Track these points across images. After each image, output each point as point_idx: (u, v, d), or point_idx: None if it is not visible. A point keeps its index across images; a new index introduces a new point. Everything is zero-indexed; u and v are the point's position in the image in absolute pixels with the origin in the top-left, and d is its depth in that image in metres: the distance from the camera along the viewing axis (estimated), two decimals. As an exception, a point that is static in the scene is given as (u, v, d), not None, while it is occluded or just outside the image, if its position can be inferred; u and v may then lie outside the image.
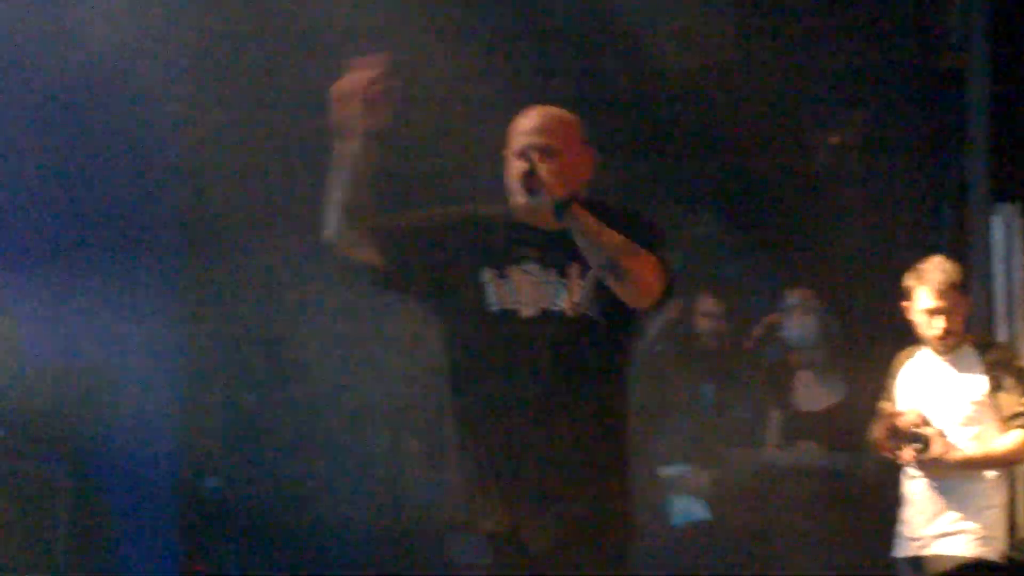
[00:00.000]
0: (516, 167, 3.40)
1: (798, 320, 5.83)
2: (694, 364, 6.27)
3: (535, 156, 3.38)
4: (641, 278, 3.33)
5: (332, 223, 3.49)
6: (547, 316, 3.46)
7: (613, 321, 3.46)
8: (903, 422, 4.72)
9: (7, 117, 6.90)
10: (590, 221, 3.34)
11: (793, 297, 6.02)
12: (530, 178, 3.36)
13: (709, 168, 7.29)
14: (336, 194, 3.45)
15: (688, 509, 5.78)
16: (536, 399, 3.44)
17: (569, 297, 3.47)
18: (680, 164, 7.29)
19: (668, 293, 3.47)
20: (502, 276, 3.50)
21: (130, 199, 7.12)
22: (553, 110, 3.56)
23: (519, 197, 3.40)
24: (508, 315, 3.48)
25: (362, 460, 6.98)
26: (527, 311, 3.45)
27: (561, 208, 3.33)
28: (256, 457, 7.28)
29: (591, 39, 7.15)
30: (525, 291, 3.49)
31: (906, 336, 5.00)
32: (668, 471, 5.78)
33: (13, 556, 6.10)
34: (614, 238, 3.35)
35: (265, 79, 7.24)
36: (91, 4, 6.70)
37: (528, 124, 3.48)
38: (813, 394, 5.74)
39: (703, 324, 6.19)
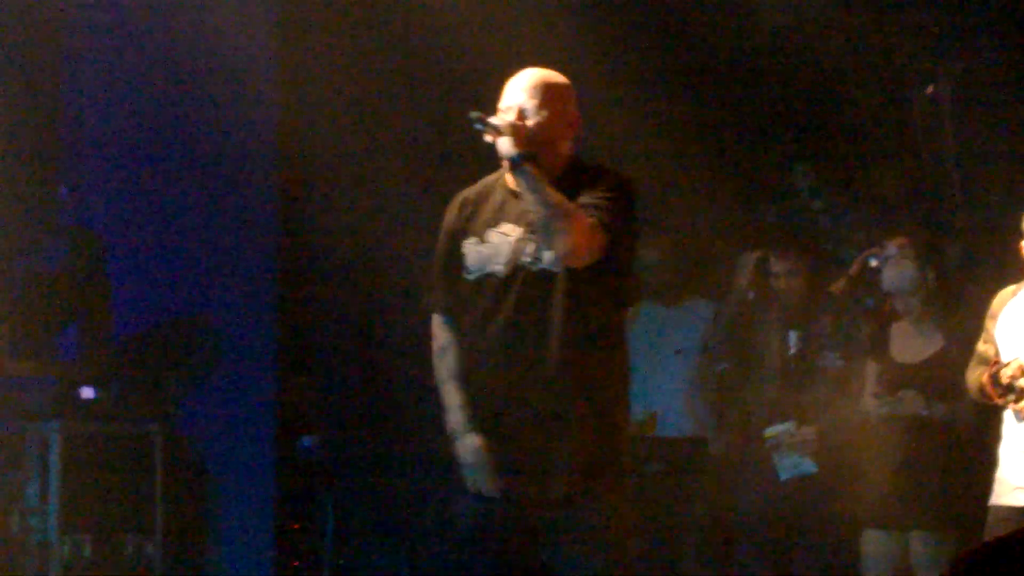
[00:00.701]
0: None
1: (895, 268, 5.78)
2: (784, 319, 6.19)
3: (514, 113, 3.58)
4: (568, 239, 3.49)
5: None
6: (517, 272, 3.62)
7: (571, 272, 3.58)
8: (1004, 374, 4.60)
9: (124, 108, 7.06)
10: (535, 179, 3.51)
11: (890, 246, 5.97)
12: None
13: (804, 120, 7.25)
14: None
15: (795, 464, 5.80)
16: (512, 355, 3.63)
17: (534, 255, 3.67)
18: (776, 118, 7.28)
19: (618, 253, 3.62)
20: (482, 242, 3.68)
21: (232, 155, 7.20)
22: (545, 72, 3.72)
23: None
24: (486, 277, 3.64)
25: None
26: (503, 269, 3.61)
27: (515, 162, 3.54)
28: (352, 417, 7.40)
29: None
30: (503, 251, 3.65)
31: (1003, 281, 4.93)
32: (772, 430, 5.79)
33: (110, 517, 6.22)
34: (551, 197, 3.51)
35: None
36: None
37: (516, 83, 3.67)
38: (911, 344, 5.72)
39: (782, 282, 6.17)
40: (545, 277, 3.64)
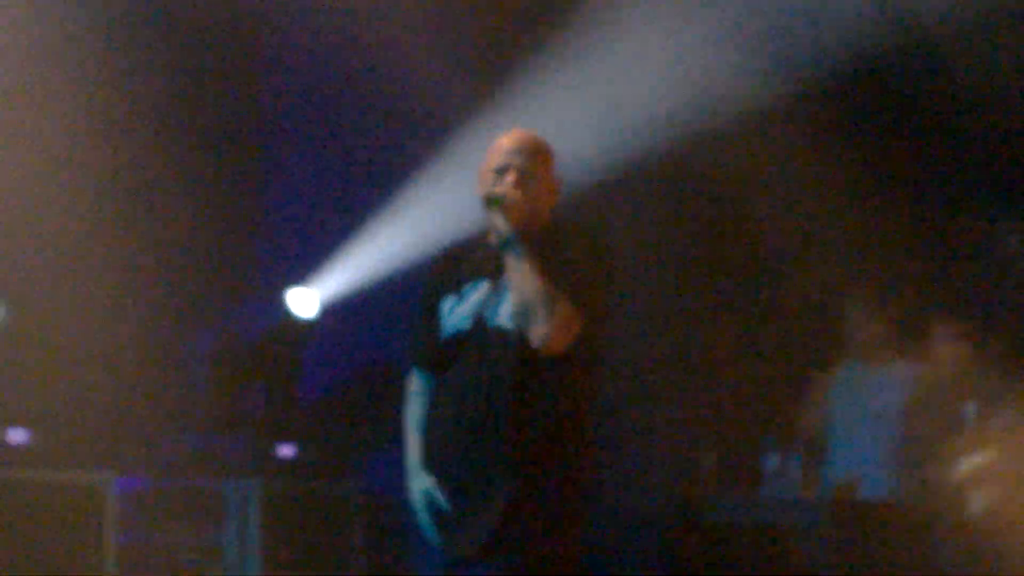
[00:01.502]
0: (489, 181, 3.57)
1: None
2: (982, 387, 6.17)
3: (510, 177, 3.55)
4: (546, 328, 3.47)
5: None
6: (478, 327, 3.61)
7: (527, 331, 3.55)
8: None
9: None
10: (525, 264, 3.48)
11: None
12: (497, 195, 3.53)
13: (1010, 179, 7.22)
14: None
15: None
16: (465, 409, 3.58)
17: (497, 310, 3.66)
18: (981, 177, 7.25)
19: (591, 330, 3.56)
20: (460, 298, 3.67)
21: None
22: (533, 136, 3.72)
23: (485, 209, 3.60)
24: (453, 338, 3.62)
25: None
26: (467, 325, 3.60)
27: (511, 240, 3.51)
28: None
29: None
30: (471, 306, 3.65)
31: None
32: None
33: (310, 573, 6.40)
34: (537, 283, 3.48)
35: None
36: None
37: (510, 144, 3.64)
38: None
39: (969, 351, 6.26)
40: (502, 333, 3.64)
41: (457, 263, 3.79)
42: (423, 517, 3.63)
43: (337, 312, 7.28)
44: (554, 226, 3.75)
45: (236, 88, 7.98)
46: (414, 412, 3.75)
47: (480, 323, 3.63)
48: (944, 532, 6.21)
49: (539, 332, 3.50)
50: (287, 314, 7.09)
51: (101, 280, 6.91)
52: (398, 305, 7.10)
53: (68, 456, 6.36)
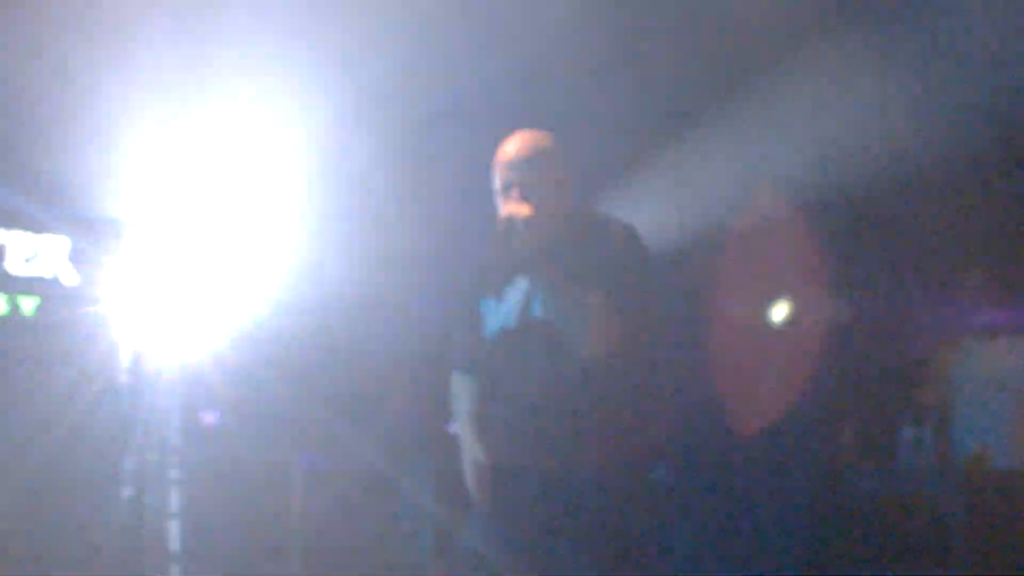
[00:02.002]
0: (502, 206, 3.59)
1: None
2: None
3: (514, 194, 3.55)
4: (590, 345, 3.54)
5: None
6: (526, 324, 3.65)
7: (574, 329, 3.59)
8: None
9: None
10: (556, 288, 3.54)
11: None
12: (506, 223, 3.52)
13: None
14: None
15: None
16: (525, 405, 3.64)
17: (541, 306, 3.67)
18: None
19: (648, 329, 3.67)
20: (500, 300, 3.72)
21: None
22: (525, 140, 3.65)
23: (504, 233, 3.56)
24: (500, 335, 3.69)
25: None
26: (513, 323, 3.66)
27: (532, 269, 3.57)
28: (701, 449, 7.83)
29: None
30: (513, 305, 3.69)
31: None
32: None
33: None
34: (571, 308, 3.53)
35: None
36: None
37: (506, 159, 3.62)
38: None
39: None
40: (548, 327, 3.66)
41: (492, 267, 3.80)
42: (480, 483, 3.75)
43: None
44: (583, 218, 3.77)
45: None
46: (468, 405, 3.86)
47: (526, 320, 3.67)
48: None
49: (586, 347, 3.56)
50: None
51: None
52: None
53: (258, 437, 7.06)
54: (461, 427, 3.87)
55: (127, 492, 6.39)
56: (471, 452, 3.76)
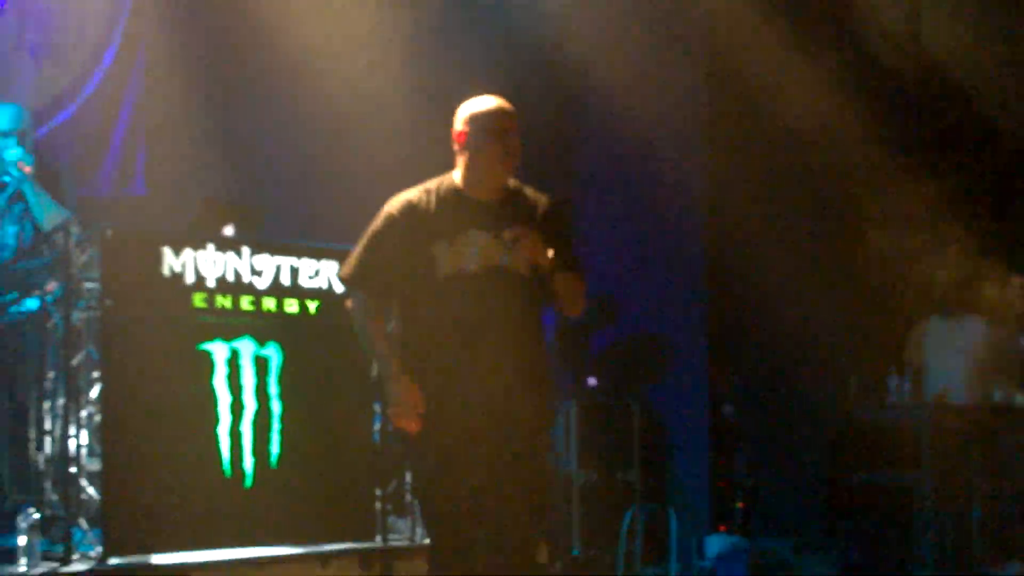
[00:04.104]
0: (500, 152, 3.97)
1: None
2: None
3: (516, 147, 3.99)
4: (579, 304, 4.18)
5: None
6: (490, 271, 3.96)
7: (537, 277, 4.01)
8: None
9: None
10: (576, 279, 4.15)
11: None
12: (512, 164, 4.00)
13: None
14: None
15: None
16: (486, 334, 3.95)
17: (506, 254, 3.97)
18: None
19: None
20: (451, 245, 3.96)
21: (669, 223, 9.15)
22: (509, 106, 4.08)
23: (494, 174, 4.03)
24: (456, 276, 3.95)
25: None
26: (473, 268, 3.94)
27: (549, 213, 4.12)
28: (755, 394, 9.48)
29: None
30: (471, 252, 3.97)
31: None
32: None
33: (607, 459, 8.68)
34: (579, 281, 4.13)
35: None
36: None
37: (506, 121, 4.01)
38: None
39: None
40: (513, 276, 4.01)
41: (427, 212, 4.06)
42: (407, 411, 3.97)
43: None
44: (520, 184, 4.20)
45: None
46: (380, 328, 4.11)
47: (491, 268, 3.97)
48: (999, 423, 8.19)
49: (576, 309, 4.19)
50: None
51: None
52: (660, 294, 9.13)
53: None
54: (375, 342, 4.10)
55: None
56: (398, 383, 3.98)
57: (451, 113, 4.18)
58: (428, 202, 4.02)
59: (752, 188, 9.02)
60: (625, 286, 9.44)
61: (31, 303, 6.31)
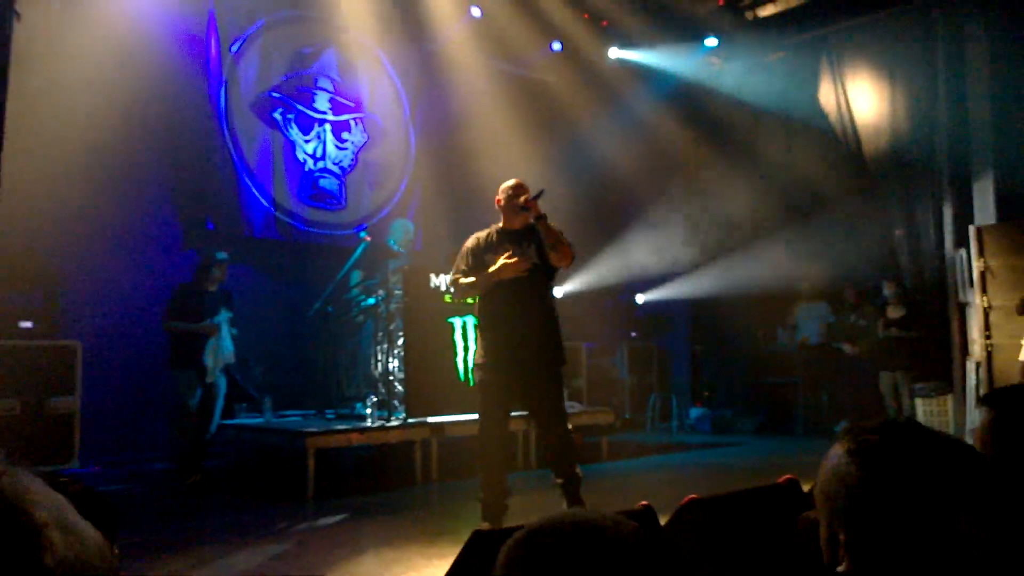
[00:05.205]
0: (518, 203, 4.32)
1: None
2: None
3: (528, 201, 4.31)
4: (565, 254, 4.32)
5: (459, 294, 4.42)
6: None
7: (543, 265, 4.34)
8: None
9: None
10: (548, 226, 4.28)
11: None
12: (526, 206, 4.29)
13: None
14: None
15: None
16: (523, 308, 4.27)
17: (529, 257, 4.30)
18: None
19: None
20: (495, 253, 4.32)
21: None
22: (522, 183, 4.36)
23: (518, 216, 4.38)
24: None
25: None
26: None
27: (538, 219, 4.31)
28: (715, 335, 10.78)
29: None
30: (505, 256, 4.27)
31: None
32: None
33: (636, 370, 10.21)
34: (558, 235, 4.24)
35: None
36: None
37: (522, 184, 4.37)
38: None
39: None
40: (535, 270, 4.30)
41: (485, 240, 4.43)
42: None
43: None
44: (532, 227, 4.42)
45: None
46: (468, 279, 4.34)
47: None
48: (832, 354, 9.58)
49: (562, 257, 4.33)
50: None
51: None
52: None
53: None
54: (477, 280, 4.33)
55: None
56: (491, 270, 4.24)
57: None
58: (486, 235, 4.46)
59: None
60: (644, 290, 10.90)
61: (371, 300, 7.30)
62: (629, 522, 0.94)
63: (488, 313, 4.37)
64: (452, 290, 4.51)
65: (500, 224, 4.47)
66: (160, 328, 6.75)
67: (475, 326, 4.46)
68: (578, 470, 4.31)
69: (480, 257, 4.36)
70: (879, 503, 1.13)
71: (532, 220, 4.28)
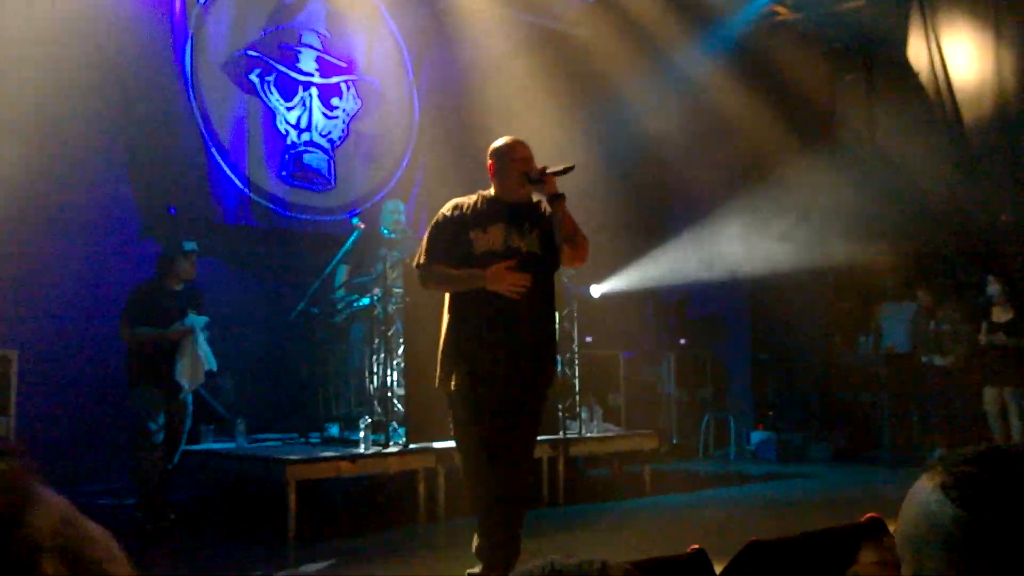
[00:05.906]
0: (521, 169, 4.05)
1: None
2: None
3: (547, 174, 4.02)
4: (582, 253, 4.05)
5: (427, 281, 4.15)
6: (510, 251, 3.99)
7: (547, 256, 4.08)
8: None
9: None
10: (566, 211, 3.99)
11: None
12: (535, 175, 4.01)
13: None
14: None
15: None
16: (523, 308, 3.97)
17: (524, 241, 4.03)
18: None
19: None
20: (484, 231, 4.04)
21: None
22: (524, 143, 4.15)
23: (521, 185, 4.08)
24: (488, 253, 3.99)
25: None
26: (499, 249, 3.97)
27: (555, 198, 4.01)
28: (780, 342, 10.83)
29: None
30: (498, 238, 4.01)
31: None
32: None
33: (685, 384, 10.38)
34: (576, 225, 4.00)
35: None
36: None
37: (527, 147, 4.12)
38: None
39: None
40: (528, 255, 4.05)
41: (464, 210, 4.13)
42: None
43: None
44: (538, 202, 4.21)
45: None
46: (444, 267, 4.10)
47: (510, 248, 4.02)
48: (922, 366, 9.67)
49: (582, 254, 4.07)
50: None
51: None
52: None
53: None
54: (451, 277, 4.06)
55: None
56: (477, 275, 3.96)
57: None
58: (471, 204, 4.16)
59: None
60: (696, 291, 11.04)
61: (365, 301, 7.23)
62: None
63: (474, 307, 4.08)
64: (419, 275, 4.20)
65: (491, 191, 4.17)
66: (115, 336, 6.52)
67: (451, 318, 4.11)
68: (520, 531, 4.04)
69: (463, 235, 4.06)
70: (982, 550, 1.03)
71: (545, 197, 4.03)
